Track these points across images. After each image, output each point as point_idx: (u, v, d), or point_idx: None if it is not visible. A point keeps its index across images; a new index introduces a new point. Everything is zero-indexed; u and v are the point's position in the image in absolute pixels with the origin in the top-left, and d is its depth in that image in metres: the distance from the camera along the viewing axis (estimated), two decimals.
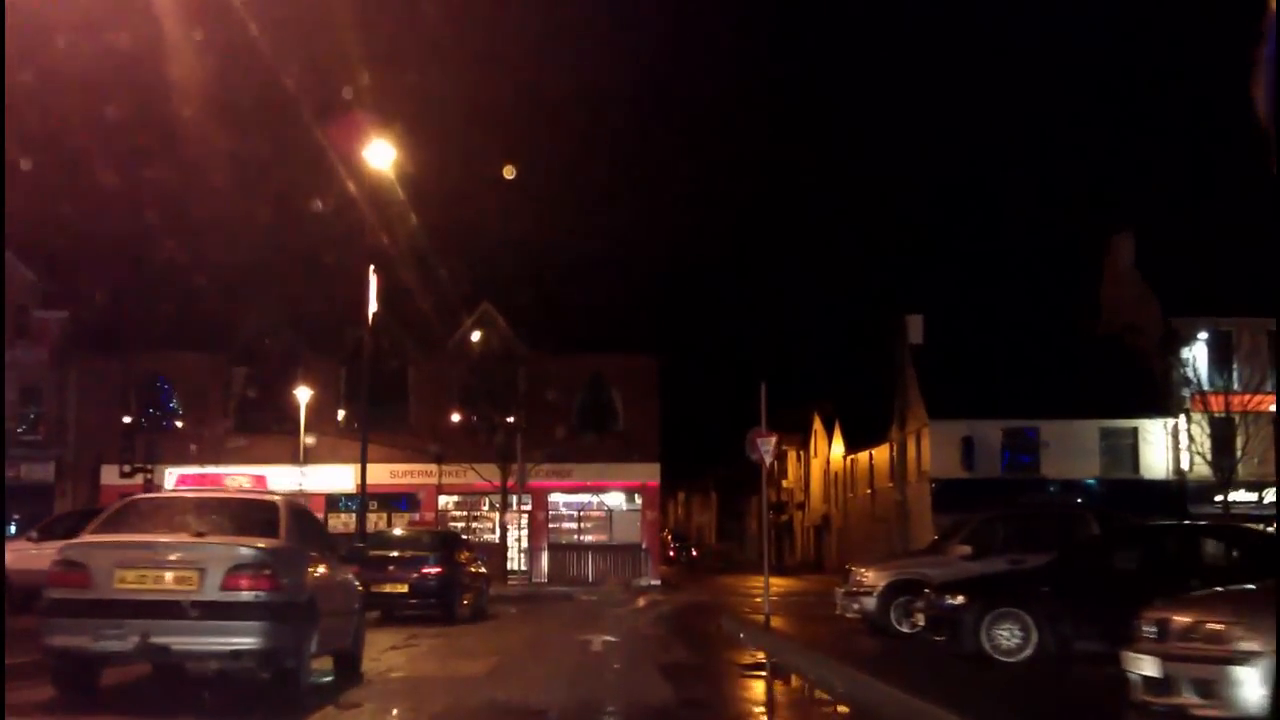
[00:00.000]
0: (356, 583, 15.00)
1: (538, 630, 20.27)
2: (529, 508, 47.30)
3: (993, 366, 47.06)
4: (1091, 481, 45.85)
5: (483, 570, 24.70)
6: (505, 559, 45.83)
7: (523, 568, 47.04)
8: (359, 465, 46.14)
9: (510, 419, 45.80)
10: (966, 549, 18.22)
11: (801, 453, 72.92)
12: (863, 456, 58.98)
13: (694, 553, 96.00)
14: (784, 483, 75.21)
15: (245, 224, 48.11)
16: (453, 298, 46.26)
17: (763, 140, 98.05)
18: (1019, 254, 76.28)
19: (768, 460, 22.02)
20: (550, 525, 47.43)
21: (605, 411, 47.60)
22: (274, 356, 46.33)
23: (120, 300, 45.90)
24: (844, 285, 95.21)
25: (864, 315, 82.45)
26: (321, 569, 12.86)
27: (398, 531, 24.54)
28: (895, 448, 51.08)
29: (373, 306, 32.69)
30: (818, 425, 69.29)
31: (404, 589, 21.22)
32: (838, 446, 64.37)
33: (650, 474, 47.00)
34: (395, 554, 21.96)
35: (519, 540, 47.42)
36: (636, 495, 47.52)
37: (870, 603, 18.42)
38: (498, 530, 45.32)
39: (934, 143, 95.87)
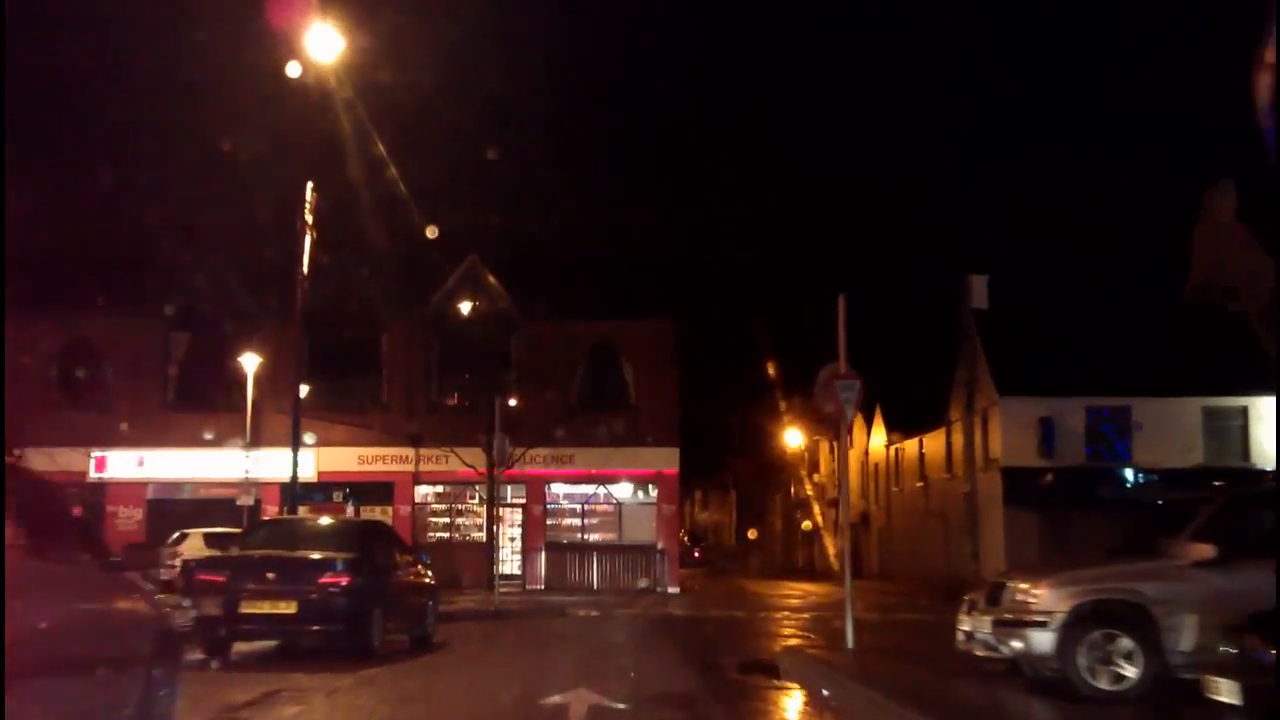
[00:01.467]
0: (151, 608, 8.61)
1: (490, 679, 12.78)
2: (522, 500, 39.85)
3: (1073, 335, 39.60)
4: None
5: (427, 579, 17.18)
6: (493, 561, 38.38)
7: (516, 571, 39.62)
8: (321, 449, 38.85)
9: (500, 395, 38.47)
10: (1206, 550, 10.73)
11: (835, 443, 65.23)
12: (910, 445, 51.42)
13: (696, 554, 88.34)
14: (815, 477, 67.73)
15: (186, 162, 40.82)
16: (435, 251, 38.84)
17: (799, 76, 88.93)
18: (1097, 206, 67.34)
19: (850, 413, 14.56)
20: (548, 521, 39.93)
21: (613, 386, 40.11)
22: (221, 319, 38.95)
23: (37, 253, 38.65)
24: (887, 243, 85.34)
25: (912, 278, 73.61)
26: (46, 591, 7.04)
27: (314, 520, 17.07)
28: (961, 431, 43.47)
29: (311, 236, 25.46)
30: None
31: (291, 609, 13.72)
32: (878, 435, 56.82)
33: (667, 460, 39.43)
34: (283, 555, 14.46)
35: (511, 539, 40.02)
36: (651, 486, 39.98)
37: (1043, 640, 10.89)
38: (485, 527, 37.85)
39: (996, 80, 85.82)
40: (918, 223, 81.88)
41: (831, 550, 64.22)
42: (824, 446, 66.22)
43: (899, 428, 52.54)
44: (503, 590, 37.52)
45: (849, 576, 14.93)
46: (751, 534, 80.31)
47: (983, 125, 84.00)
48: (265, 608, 13.66)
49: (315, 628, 13.89)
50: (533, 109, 63.40)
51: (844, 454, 15.46)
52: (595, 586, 38.13)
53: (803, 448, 66.66)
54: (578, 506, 40.18)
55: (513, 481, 39.18)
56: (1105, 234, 57.68)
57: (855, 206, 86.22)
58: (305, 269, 24.55)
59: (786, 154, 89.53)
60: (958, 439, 44.24)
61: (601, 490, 40.10)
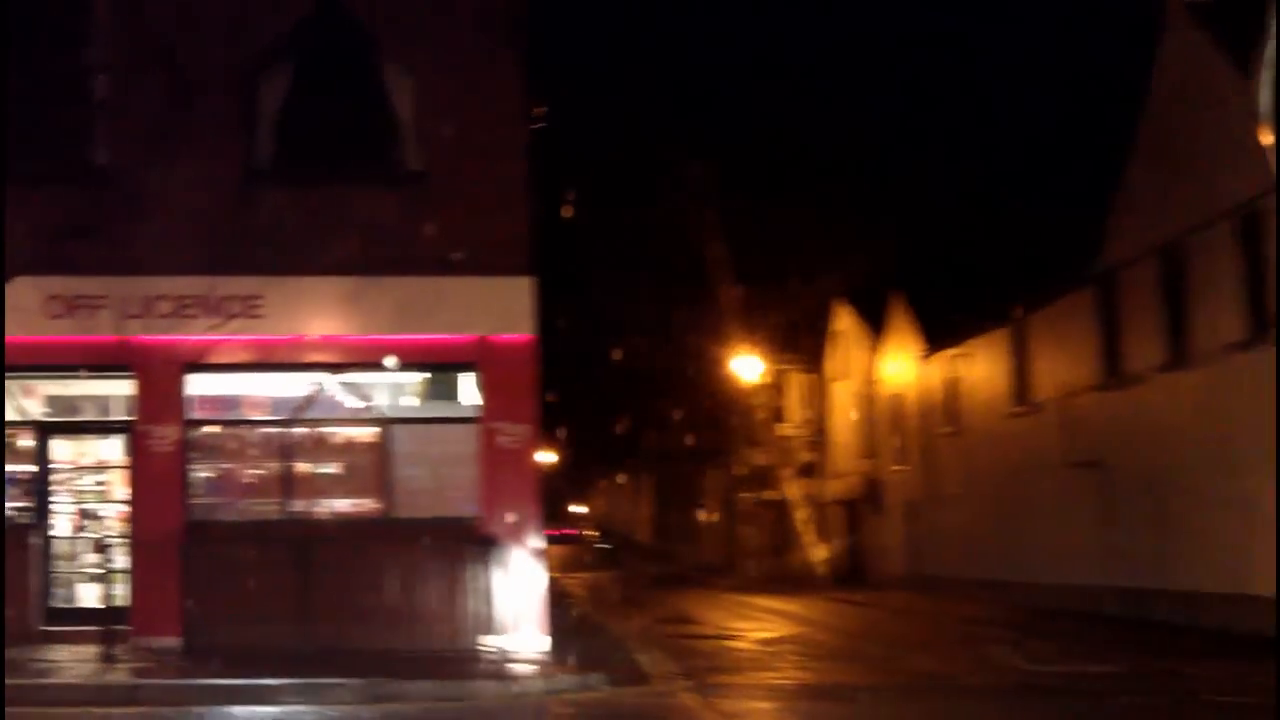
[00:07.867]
0: None
1: None
2: (125, 415, 15.49)
3: None
4: None
5: None
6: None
7: (96, 604, 15.18)
8: None
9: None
10: None
11: (812, 376, 41.53)
12: (988, 349, 28.04)
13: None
14: (777, 428, 43.61)
15: None
16: None
17: None
18: None
19: None
20: (195, 469, 15.51)
21: (364, 120, 15.89)
22: None
23: None
24: None
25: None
26: None
27: None
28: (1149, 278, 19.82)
29: None
30: (844, 319, 38.13)
31: None
32: (899, 354, 33.45)
33: (505, 309, 15.37)
34: None
35: (98, 518, 15.62)
36: (466, 374, 15.83)
37: None
38: None
39: None
40: None
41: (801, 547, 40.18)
42: (794, 381, 42.43)
43: (953, 326, 29.17)
44: (15, 685, 13.22)
45: None
46: (705, 516, 55.66)
47: None
48: None
49: None
50: None
51: None
52: (320, 642, 14.00)
53: (761, 383, 42.40)
54: (276, 431, 15.82)
55: (100, 370, 15.23)
56: None
57: None
58: None
59: None
60: (1136, 297, 20.86)
61: (337, 387, 15.82)
